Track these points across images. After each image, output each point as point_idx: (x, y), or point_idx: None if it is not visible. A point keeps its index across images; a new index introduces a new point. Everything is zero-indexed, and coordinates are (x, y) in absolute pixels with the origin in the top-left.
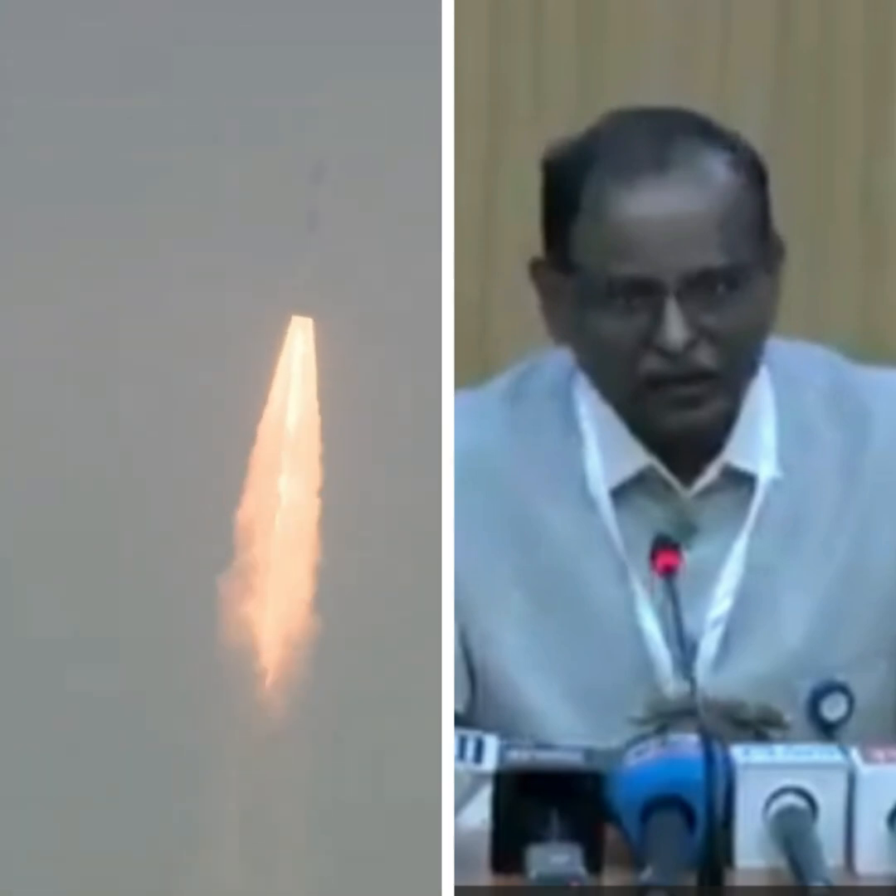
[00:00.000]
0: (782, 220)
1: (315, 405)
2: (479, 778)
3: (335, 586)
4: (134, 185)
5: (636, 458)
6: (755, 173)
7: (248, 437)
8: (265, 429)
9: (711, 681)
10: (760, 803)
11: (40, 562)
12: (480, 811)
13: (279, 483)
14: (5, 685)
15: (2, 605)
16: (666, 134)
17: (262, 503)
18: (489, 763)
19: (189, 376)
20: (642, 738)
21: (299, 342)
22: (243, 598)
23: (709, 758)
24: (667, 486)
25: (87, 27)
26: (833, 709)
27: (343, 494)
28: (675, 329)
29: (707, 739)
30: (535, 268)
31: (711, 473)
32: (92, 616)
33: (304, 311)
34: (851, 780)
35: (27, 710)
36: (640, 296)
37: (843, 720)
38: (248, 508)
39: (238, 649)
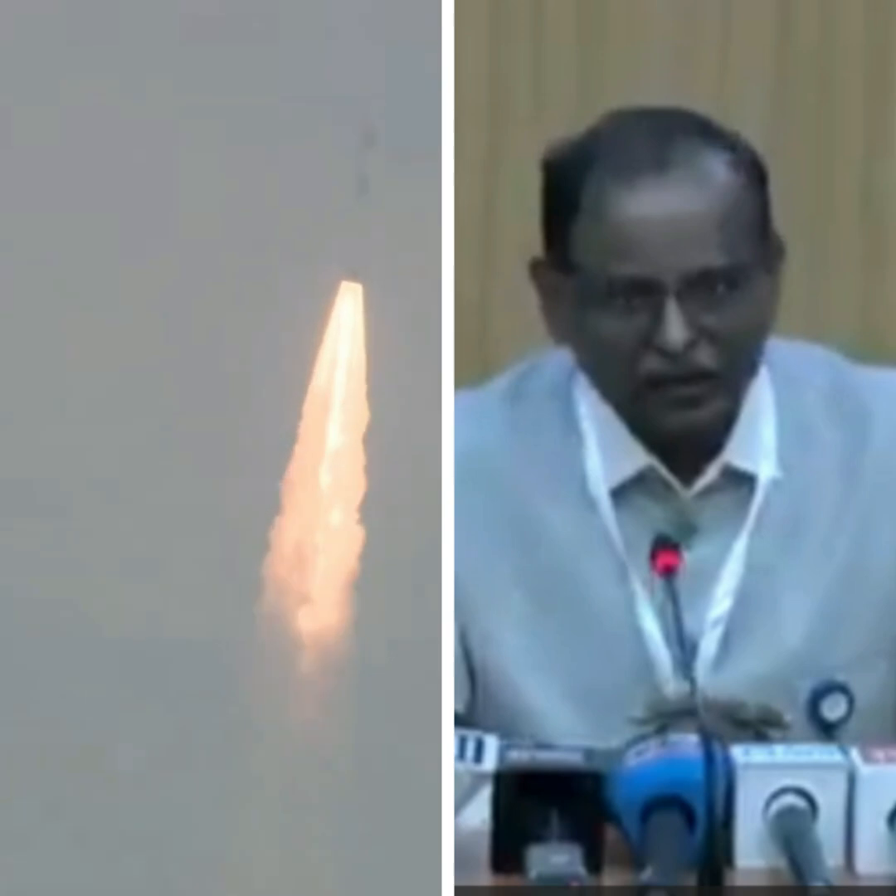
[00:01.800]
0: (782, 220)
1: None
2: (479, 778)
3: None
4: (190, 153)
5: (636, 458)
6: (755, 173)
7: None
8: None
9: (711, 681)
10: (760, 803)
11: (85, 533)
12: (480, 811)
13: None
14: (54, 672)
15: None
16: (666, 134)
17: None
18: (489, 763)
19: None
20: (642, 738)
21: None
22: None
23: (709, 758)
24: (667, 486)
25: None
26: (833, 709)
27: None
28: (675, 329)
29: (707, 739)
30: (535, 268)
31: (711, 473)
32: (130, 593)
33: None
34: (851, 780)
35: (70, 692)
36: (640, 296)
37: (843, 720)
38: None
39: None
